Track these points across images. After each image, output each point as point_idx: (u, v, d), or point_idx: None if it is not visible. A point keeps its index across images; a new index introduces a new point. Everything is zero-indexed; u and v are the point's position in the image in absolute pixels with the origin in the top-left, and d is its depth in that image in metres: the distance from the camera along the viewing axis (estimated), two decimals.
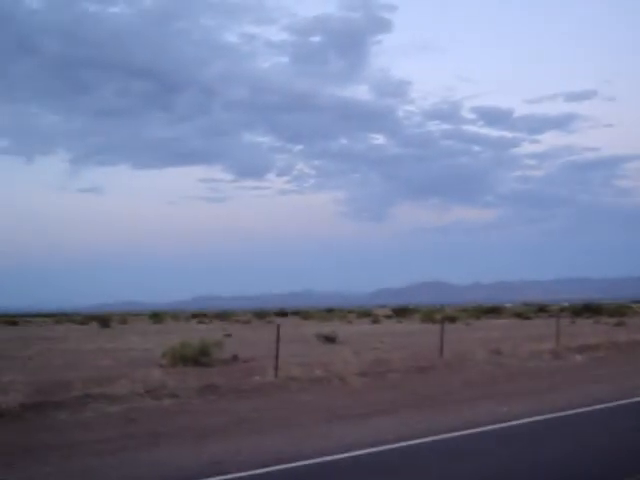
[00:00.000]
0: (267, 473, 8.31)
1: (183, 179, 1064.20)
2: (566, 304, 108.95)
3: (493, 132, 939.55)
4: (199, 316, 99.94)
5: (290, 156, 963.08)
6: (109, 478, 8.28)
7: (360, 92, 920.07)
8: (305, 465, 8.65)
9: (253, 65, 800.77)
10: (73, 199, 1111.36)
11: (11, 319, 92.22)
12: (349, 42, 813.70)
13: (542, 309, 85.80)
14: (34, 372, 17.23)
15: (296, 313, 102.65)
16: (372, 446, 9.61)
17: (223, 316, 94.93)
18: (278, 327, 18.06)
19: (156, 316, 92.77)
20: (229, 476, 8.15)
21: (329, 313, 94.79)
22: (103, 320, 71.00)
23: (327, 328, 37.84)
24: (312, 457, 8.99)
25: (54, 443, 10.34)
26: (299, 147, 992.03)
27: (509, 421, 11.40)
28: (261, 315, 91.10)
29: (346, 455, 9.13)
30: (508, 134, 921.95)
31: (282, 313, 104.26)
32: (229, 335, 37.55)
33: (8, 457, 9.46)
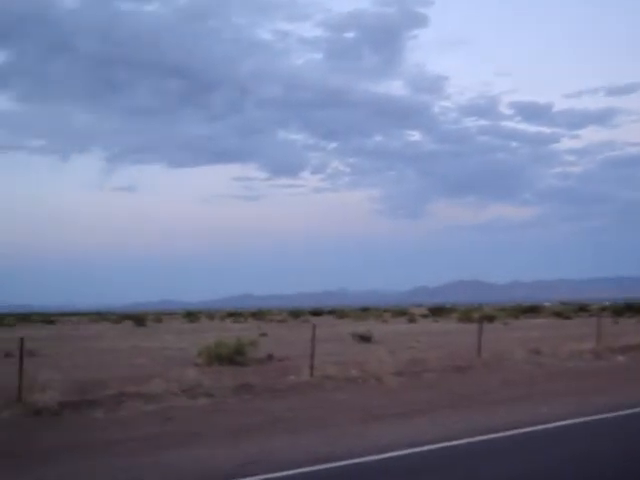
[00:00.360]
0: (303, 473, 8.22)
1: (217, 177, 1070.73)
2: (607, 303, 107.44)
3: (531, 128, 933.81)
4: (234, 315, 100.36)
5: (324, 154, 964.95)
6: (147, 476, 8.25)
7: (395, 88, 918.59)
8: (341, 466, 8.54)
9: (287, 62, 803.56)
10: (108, 198, 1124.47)
11: (48, 318, 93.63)
12: (384, 37, 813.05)
13: (582, 308, 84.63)
14: (71, 370, 17.36)
15: (331, 312, 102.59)
16: (408, 447, 9.46)
17: (258, 315, 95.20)
18: (314, 326, 17.97)
19: (191, 315, 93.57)
20: (265, 476, 8.08)
21: (364, 312, 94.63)
22: (138, 319, 71.80)
23: (362, 327, 37.72)
24: (348, 458, 8.87)
25: (92, 441, 10.39)
26: (333, 144, 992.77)
27: (550, 422, 11.15)
28: (296, 314, 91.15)
29: (382, 456, 9.00)
30: (547, 129, 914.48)
31: (317, 312, 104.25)
32: (264, 334, 37.61)
33: (48, 454, 9.53)
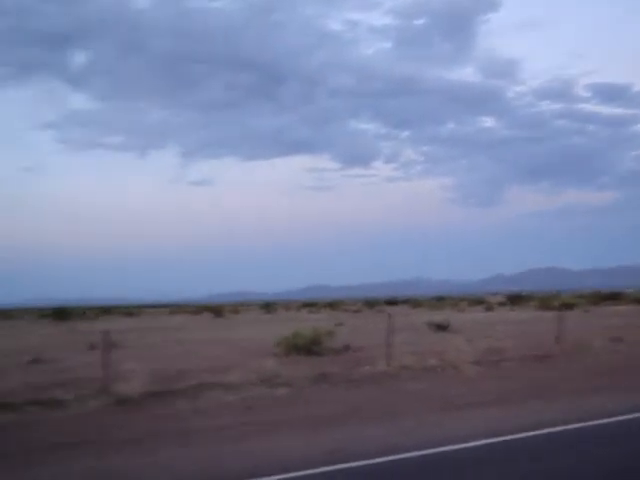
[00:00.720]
0: (383, 462, 8.25)
1: (290, 169, 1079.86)
2: None
3: (609, 110, 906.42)
4: (310, 305, 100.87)
5: (397, 142, 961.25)
6: (230, 465, 8.41)
7: (467, 74, 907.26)
8: (419, 455, 8.53)
9: (356, 52, 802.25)
10: (184, 192, 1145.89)
11: (128, 310, 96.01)
12: (454, 23, 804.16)
13: None
14: (152, 361, 17.78)
15: (406, 302, 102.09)
16: (487, 437, 9.37)
17: (333, 305, 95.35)
18: (390, 316, 17.95)
19: (267, 306, 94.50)
20: (347, 465, 8.13)
21: (440, 301, 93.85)
22: (216, 310, 72.89)
23: (438, 316, 37.39)
24: (427, 447, 8.85)
25: (175, 430, 10.65)
26: (406, 133, 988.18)
27: (634, 413, 10.86)
28: (371, 304, 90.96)
29: (461, 446, 8.94)
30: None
31: (392, 302, 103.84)
32: (340, 324, 37.69)
33: (133, 443, 9.82)
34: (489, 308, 66.87)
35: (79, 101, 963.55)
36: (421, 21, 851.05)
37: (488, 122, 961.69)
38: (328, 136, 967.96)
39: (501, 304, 79.10)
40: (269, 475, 7.74)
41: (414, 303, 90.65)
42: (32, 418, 11.66)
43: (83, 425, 11.09)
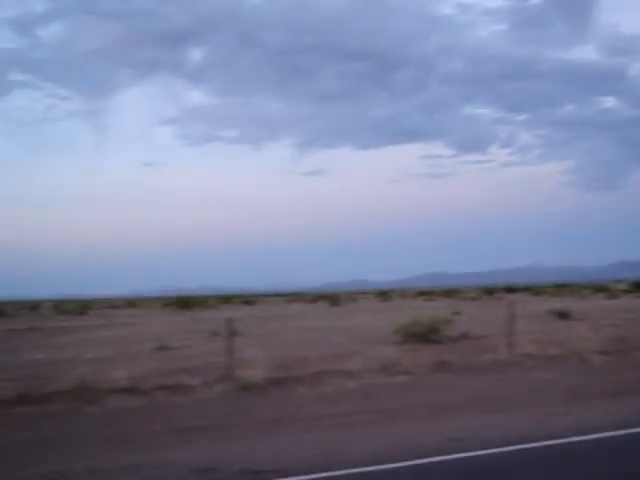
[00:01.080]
0: (508, 452, 8.09)
1: (403, 157, 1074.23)
2: None
3: None
4: (426, 294, 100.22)
5: (513, 127, 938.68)
6: (351, 450, 8.47)
7: (586, 53, 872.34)
8: (546, 445, 8.30)
9: (471, 35, 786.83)
10: (299, 182, 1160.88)
11: (246, 299, 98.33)
12: (572, 0, 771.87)
13: None
14: (273, 348, 18.13)
15: (525, 289, 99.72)
16: (617, 429, 9.01)
17: (450, 293, 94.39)
18: (510, 303, 17.54)
19: (383, 294, 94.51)
20: (470, 454, 8.03)
21: (560, 288, 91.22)
22: (332, 299, 73.62)
23: (559, 304, 36.36)
24: (552, 438, 8.60)
25: (296, 415, 10.87)
26: (522, 116, 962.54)
27: None
28: (489, 291, 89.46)
29: (587, 437, 8.64)
30: None
31: (510, 289, 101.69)
32: (457, 312, 37.24)
33: (257, 427, 10.08)
34: (613, 296, 64.40)
35: (197, 97, 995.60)
36: (536, 1, 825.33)
37: (610, 102, 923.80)
38: (442, 122, 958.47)
39: (626, 291, 76.00)
40: (390, 462, 7.73)
41: (534, 290, 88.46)
42: (161, 402, 12.15)
43: (209, 409, 11.47)
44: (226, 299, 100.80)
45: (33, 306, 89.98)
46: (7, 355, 20.89)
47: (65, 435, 9.96)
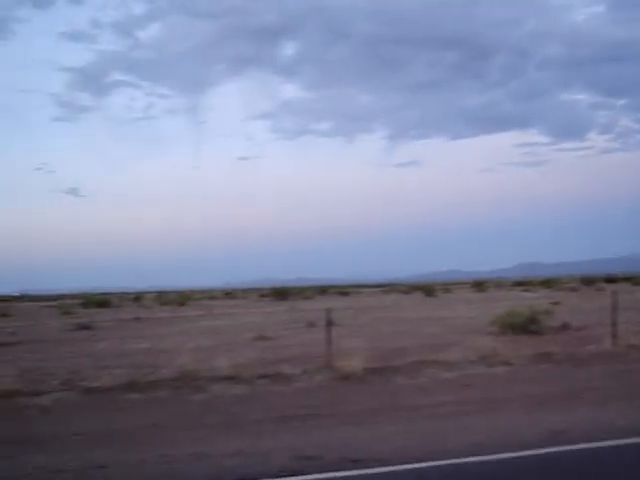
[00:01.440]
0: (614, 446, 7.86)
1: (498, 146, 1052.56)
2: None
3: None
4: (523, 284, 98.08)
5: (612, 112, 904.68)
6: (449, 441, 8.47)
7: None
8: None
9: (567, 19, 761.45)
10: (392, 174, 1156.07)
11: (342, 290, 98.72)
12: None
13: None
14: (370, 339, 18.19)
15: (627, 279, 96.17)
16: None
17: (548, 283, 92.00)
18: (614, 293, 17.03)
19: (479, 284, 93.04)
20: (574, 447, 7.87)
21: None
22: (427, 289, 73.12)
23: None
24: None
25: (395, 405, 10.92)
26: (622, 101, 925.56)
27: None
28: (588, 282, 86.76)
29: None
30: None
31: (611, 279, 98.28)
32: (556, 303, 36.38)
33: (357, 417, 10.18)
34: None
35: (290, 91, 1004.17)
36: None
37: None
38: (537, 110, 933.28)
39: None
40: (489, 454, 7.67)
41: (636, 280, 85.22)
42: (262, 391, 12.43)
43: (309, 398, 11.65)
44: (322, 290, 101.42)
45: (136, 297, 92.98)
46: (118, 344, 21.79)
47: (171, 421, 10.34)
